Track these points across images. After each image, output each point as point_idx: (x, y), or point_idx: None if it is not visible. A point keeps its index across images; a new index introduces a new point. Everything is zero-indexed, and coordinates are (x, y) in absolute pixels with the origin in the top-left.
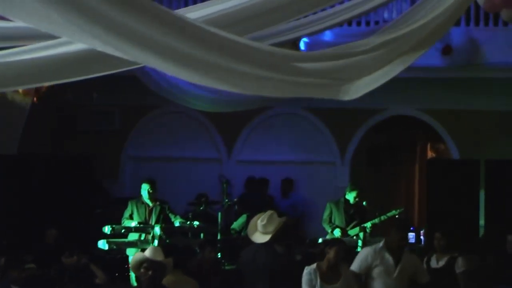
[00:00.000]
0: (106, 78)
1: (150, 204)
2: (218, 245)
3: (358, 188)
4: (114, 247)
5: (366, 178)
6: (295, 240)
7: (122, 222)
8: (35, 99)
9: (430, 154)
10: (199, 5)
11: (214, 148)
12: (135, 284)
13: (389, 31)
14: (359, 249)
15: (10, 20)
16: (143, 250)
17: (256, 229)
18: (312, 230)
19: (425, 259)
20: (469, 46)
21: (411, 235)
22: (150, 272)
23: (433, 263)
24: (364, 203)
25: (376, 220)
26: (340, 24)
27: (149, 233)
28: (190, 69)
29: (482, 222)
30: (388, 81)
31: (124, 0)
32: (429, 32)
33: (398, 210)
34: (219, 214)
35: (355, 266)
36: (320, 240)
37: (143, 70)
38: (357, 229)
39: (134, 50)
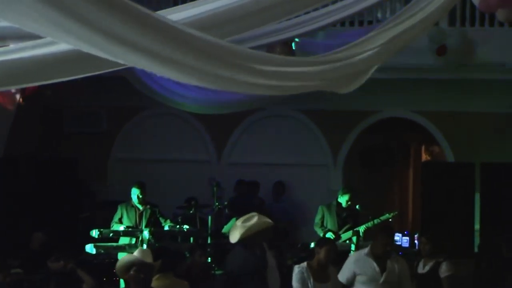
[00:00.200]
0: (93, 79)
1: (140, 208)
2: (208, 249)
3: (351, 191)
4: (102, 251)
5: (359, 181)
6: (286, 244)
7: (111, 226)
8: (21, 100)
9: (424, 156)
10: (187, 4)
11: (204, 150)
12: None
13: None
14: (352, 253)
15: None
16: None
17: (234, 229)
18: (304, 234)
19: (415, 264)
20: (464, 47)
21: (405, 240)
22: (141, 275)
23: (420, 268)
24: (357, 206)
25: (370, 224)
26: (332, 24)
27: (138, 237)
28: (172, 69)
29: (477, 226)
30: (381, 82)
31: (105, 0)
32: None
33: (392, 214)
34: (209, 217)
35: (341, 276)
36: (312, 245)
37: (131, 71)
38: (350, 233)
39: (115, 49)
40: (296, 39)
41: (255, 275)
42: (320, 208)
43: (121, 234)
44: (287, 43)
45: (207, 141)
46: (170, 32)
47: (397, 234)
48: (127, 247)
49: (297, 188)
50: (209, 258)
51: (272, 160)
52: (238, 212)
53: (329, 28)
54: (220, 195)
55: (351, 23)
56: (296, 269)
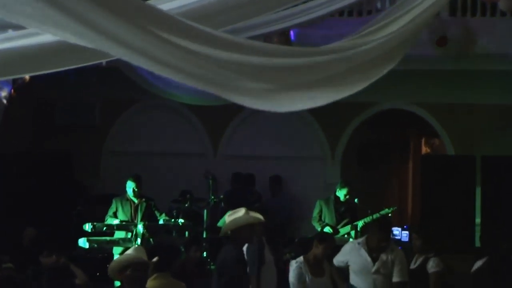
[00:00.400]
0: (87, 70)
1: (136, 201)
2: (204, 244)
3: (349, 185)
4: (95, 245)
5: (358, 175)
6: (283, 239)
7: (106, 219)
8: (12, 91)
9: (424, 149)
10: None
11: (199, 143)
12: (118, 284)
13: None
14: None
15: None
16: (126, 248)
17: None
18: (301, 228)
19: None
20: (465, 37)
21: (405, 234)
22: (138, 274)
23: (412, 264)
24: (355, 200)
25: (368, 219)
26: (330, 14)
27: (132, 231)
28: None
29: (478, 220)
30: None
31: None
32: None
33: (391, 209)
34: (205, 211)
35: (335, 259)
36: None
37: (125, 62)
38: (348, 227)
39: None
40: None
41: (235, 269)
42: (318, 202)
43: (115, 228)
44: (284, 33)
45: (202, 134)
46: (164, 21)
47: (396, 228)
48: (121, 241)
49: (294, 181)
50: (205, 253)
51: (268, 153)
52: (234, 205)
53: (327, 18)
54: (215, 189)
55: (350, 13)
56: (294, 264)
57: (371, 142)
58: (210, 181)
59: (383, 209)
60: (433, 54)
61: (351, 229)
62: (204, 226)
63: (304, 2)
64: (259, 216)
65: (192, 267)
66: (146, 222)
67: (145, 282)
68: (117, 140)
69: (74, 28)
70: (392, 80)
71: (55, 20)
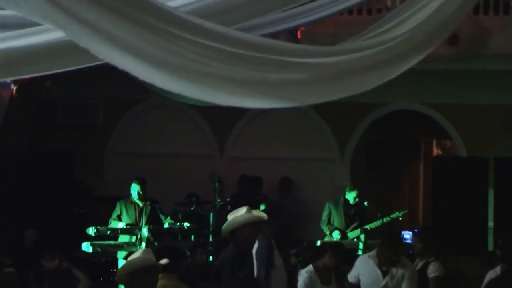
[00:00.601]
0: (89, 69)
1: (140, 204)
2: (210, 247)
3: (359, 187)
4: (99, 249)
5: (367, 177)
6: (291, 242)
7: (109, 223)
8: (14, 91)
9: (435, 151)
10: None
11: (205, 144)
12: None
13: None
14: (359, 252)
15: None
16: (130, 253)
17: None
18: (309, 231)
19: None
20: (478, 36)
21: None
22: (149, 277)
23: None
24: (365, 203)
25: (378, 222)
26: (339, 13)
27: (137, 235)
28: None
29: (491, 223)
30: None
31: None
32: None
33: (402, 212)
34: (211, 214)
35: (349, 275)
36: (318, 243)
37: None
38: (357, 231)
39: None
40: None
41: (231, 271)
42: (326, 205)
43: (119, 231)
44: (292, 32)
45: (208, 135)
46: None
47: (407, 232)
48: (125, 245)
49: (302, 184)
50: (211, 257)
51: (276, 155)
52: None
53: (335, 17)
54: (222, 191)
55: (359, 11)
56: (304, 273)
57: (381, 144)
58: (216, 183)
59: (393, 212)
60: (445, 53)
61: (361, 233)
62: (210, 229)
63: (311, 1)
64: (261, 214)
65: (197, 271)
66: (151, 226)
67: (155, 285)
68: (121, 140)
69: (75, 28)
70: (403, 80)
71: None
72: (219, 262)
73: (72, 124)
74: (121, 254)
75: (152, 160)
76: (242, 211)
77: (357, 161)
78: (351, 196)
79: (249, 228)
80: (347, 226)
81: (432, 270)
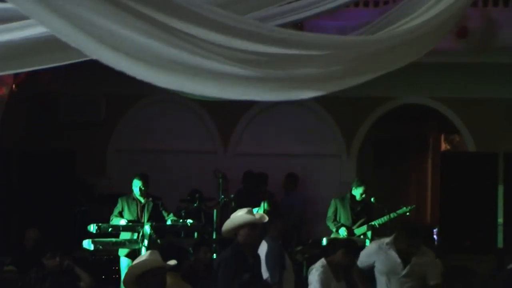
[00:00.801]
0: (90, 64)
1: (142, 201)
2: (214, 245)
3: (365, 183)
4: (100, 247)
5: (374, 172)
6: (296, 240)
7: (111, 219)
8: (13, 86)
9: (443, 146)
10: None
11: (209, 140)
12: None
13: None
14: (372, 242)
15: None
16: (133, 251)
17: None
18: (315, 229)
19: None
20: (487, 28)
21: None
22: (158, 279)
23: None
24: (372, 199)
25: (385, 218)
26: (346, 5)
27: (139, 232)
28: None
29: (500, 220)
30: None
31: None
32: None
33: (409, 208)
34: (215, 211)
35: (359, 260)
36: (324, 241)
37: None
38: (364, 227)
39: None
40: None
41: (226, 272)
42: (332, 201)
43: (121, 229)
44: (297, 25)
45: (212, 130)
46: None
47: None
48: (127, 242)
49: (308, 180)
50: (215, 255)
51: (281, 151)
52: (245, 205)
53: (342, 10)
54: (226, 188)
55: (366, 4)
56: (320, 268)
57: (388, 139)
58: (220, 180)
59: (400, 208)
60: (453, 46)
61: (367, 230)
62: (214, 226)
63: None
64: (262, 216)
65: (201, 269)
66: (153, 223)
67: (164, 287)
68: (123, 137)
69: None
70: (410, 74)
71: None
72: (217, 263)
73: (73, 120)
74: (122, 252)
75: (155, 157)
76: (242, 211)
77: (364, 157)
78: (357, 192)
79: (248, 229)
80: (353, 223)
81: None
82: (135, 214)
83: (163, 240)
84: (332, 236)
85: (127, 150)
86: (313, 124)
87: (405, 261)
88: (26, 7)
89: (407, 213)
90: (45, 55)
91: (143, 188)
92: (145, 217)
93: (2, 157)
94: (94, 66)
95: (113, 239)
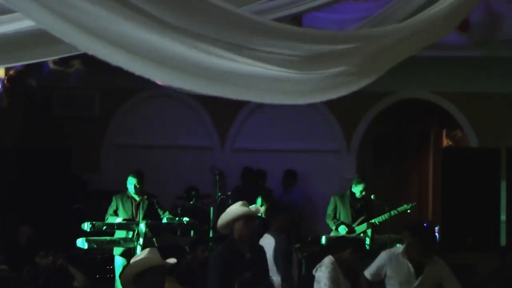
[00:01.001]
0: (85, 58)
1: (137, 199)
2: (211, 243)
3: (365, 180)
4: (95, 246)
5: (375, 169)
6: (295, 237)
7: (106, 219)
8: (5, 81)
9: (445, 142)
10: None
11: (205, 136)
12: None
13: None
14: (367, 247)
15: None
16: (128, 250)
17: None
18: (314, 226)
19: None
20: (489, 21)
21: None
22: (158, 278)
23: None
24: (372, 196)
25: (386, 216)
26: None
27: (134, 231)
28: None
29: (503, 217)
30: None
31: None
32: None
33: (410, 205)
34: (211, 209)
35: (368, 271)
36: (323, 239)
37: None
38: (364, 225)
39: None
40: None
41: (216, 269)
42: (332, 198)
43: (115, 227)
44: (296, 18)
45: (209, 125)
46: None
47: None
48: (122, 241)
49: (307, 176)
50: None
51: (279, 146)
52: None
53: (341, 3)
54: (223, 184)
55: None
56: (330, 265)
57: (389, 134)
58: (217, 177)
59: (401, 205)
60: (455, 39)
61: (367, 228)
62: (211, 224)
63: None
64: (257, 208)
65: (198, 268)
66: (149, 221)
67: (163, 286)
68: (118, 132)
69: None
70: (411, 68)
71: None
72: (210, 259)
73: (67, 115)
74: (117, 251)
75: (150, 153)
76: (236, 205)
77: (365, 153)
78: (357, 189)
79: (243, 222)
80: (353, 220)
81: None
82: (130, 212)
83: (158, 239)
84: (332, 234)
85: (122, 146)
86: (313, 120)
87: (418, 271)
88: (16, 2)
89: (408, 211)
90: (37, 49)
91: (138, 186)
92: (140, 215)
93: None
94: (88, 60)
95: (108, 238)
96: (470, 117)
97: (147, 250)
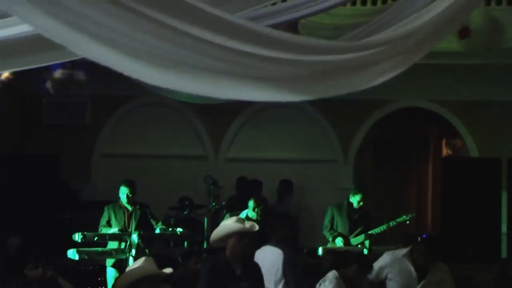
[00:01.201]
0: (75, 64)
1: (130, 208)
2: (204, 255)
3: (363, 190)
4: (85, 257)
5: (372, 179)
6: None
7: (100, 230)
8: None
9: (445, 151)
10: None
11: (199, 144)
12: None
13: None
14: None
15: None
16: (119, 261)
17: None
18: (310, 237)
19: None
20: (490, 28)
21: None
22: (156, 286)
23: None
24: (369, 207)
25: (384, 227)
26: (343, 4)
27: (126, 241)
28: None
29: (504, 228)
30: None
31: None
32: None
33: (409, 216)
34: (205, 219)
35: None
36: (320, 250)
37: None
38: (361, 237)
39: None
40: (303, 21)
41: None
42: (329, 208)
43: (107, 238)
44: (291, 24)
45: (202, 134)
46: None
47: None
48: (113, 252)
49: (303, 186)
50: None
51: (274, 155)
52: (236, 212)
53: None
54: (217, 194)
55: (363, 2)
56: (334, 279)
57: (387, 143)
58: (211, 186)
59: (400, 216)
60: (455, 47)
61: (365, 239)
62: (205, 235)
63: None
64: (252, 225)
65: (191, 280)
66: (141, 231)
67: None
68: (109, 141)
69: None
70: (410, 76)
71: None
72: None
73: (57, 123)
74: (109, 262)
75: (142, 162)
76: (231, 220)
77: (362, 162)
78: (355, 200)
79: (237, 238)
80: (351, 231)
81: None
82: (122, 223)
83: (151, 250)
84: (329, 245)
85: (114, 155)
86: (308, 128)
87: (421, 276)
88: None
89: (407, 222)
90: (30, 55)
91: (130, 195)
92: (133, 226)
93: None
94: (79, 66)
95: (99, 249)
96: (470, 126)
97: (143, 259)
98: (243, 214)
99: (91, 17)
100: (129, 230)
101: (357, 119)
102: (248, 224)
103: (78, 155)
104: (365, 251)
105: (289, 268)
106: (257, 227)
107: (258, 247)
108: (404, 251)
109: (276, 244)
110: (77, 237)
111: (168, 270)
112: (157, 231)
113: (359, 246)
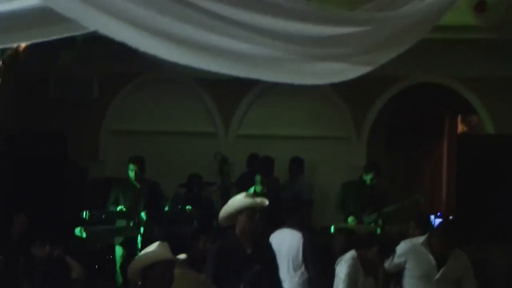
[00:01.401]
0: (83, 39)
1: (138, 186)
2: (214, 233)
3: (376, 168)
4: (94, 235)
5: (386, 156)
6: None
7: (107, 209)
8: (0, 63)
9: (460, 128)
10: None
11: (209, 121)
12: (120, 279)
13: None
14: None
15: None
16: (128, 239)
17: None
18: (323, 216)
19: None
20: (507, 2)
21: (438, 222)
22: (167, 274)
23: None
24: (382, 185)
25: (397, 206)
26: None
27: (134, 219)
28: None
29: None
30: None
31: None
32: None
33: (421, 197)
34: (215, 197)
35: (389, 263)
36: (332, 228)
37: None
38: (374, 215)
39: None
40: None
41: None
42: (341, 186)
43: (115, 215)
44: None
45: (212, 110)
46: None
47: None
48: (122, 230)
49: (315, 164)
50: None
51: (286, 132)
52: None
53: None
54: (227, 172)
55: None
56: (350, 260)
57: (401, 120)
58: (221, 164)
59: (413, 196)
60: (471, 21)
61: (378, 218)
62: (214, 213)
63: None
64: (262, 200)
65: (201, 260)
66: (150, 210)
67: (172, 282)
68: (118, 117)
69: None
70: (424, 51)
71: None
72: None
73: (64, 100)
74: (117, 240)
75: (151, 139)
76: (240, 195)
77: (376, 140)
78: (368, 178)
79: (246, 215)
80: (363, 210)
81: None
82: (130, 201)
83: (160, 228)
84: (341, 224)
85: (122, 132)
86: (321, 105)
87: (440, 263)
88: None
89: (420, 201)
90: (37, 29)
91: (138, 173)
92: (141, 204)
93: None
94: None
95: (107, 227)
96: (487, 102)
97: (157, 243)
98: (250, 191)
99: None
100: (138, 208)
101: (371, 95)
102: (258, 199)
103: (85, 132)
104: (378, 230)
105: (310, 252)
106: (267, 202)
107: (271, 229)
108: (421, 239)
109: (294, 226)
110: (85, 215)
111: (182, 256)
112: (166, 209)
113: (372, 224)
